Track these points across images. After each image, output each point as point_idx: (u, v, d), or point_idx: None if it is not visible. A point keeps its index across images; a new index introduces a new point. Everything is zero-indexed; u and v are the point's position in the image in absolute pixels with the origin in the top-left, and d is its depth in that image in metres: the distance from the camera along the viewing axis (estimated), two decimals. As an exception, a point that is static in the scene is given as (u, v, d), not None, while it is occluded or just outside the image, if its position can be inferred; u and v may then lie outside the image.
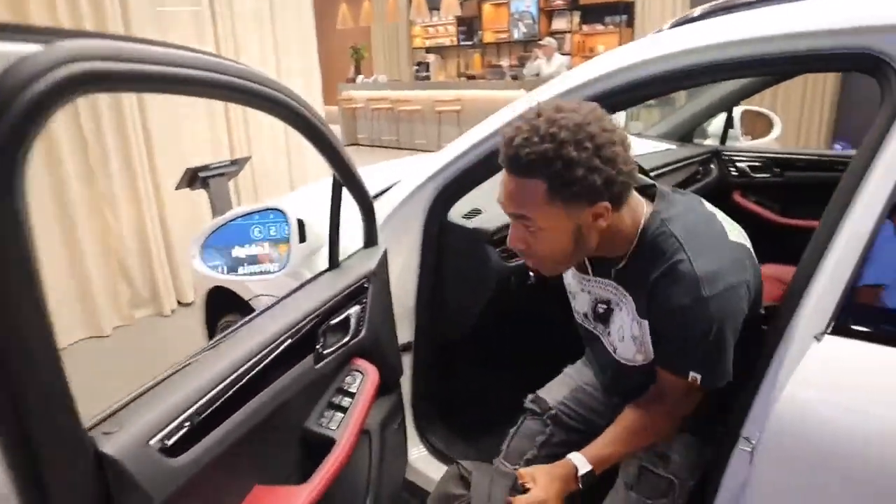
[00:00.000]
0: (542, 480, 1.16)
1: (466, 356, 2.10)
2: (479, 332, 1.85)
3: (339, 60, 12.35)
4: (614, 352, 1.26)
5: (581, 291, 1.32)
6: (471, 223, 1.75)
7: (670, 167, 2.45)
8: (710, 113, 2.73)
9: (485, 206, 1.83)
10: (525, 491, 1.16)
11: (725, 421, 1.19)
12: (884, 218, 0.96)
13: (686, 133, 2.82)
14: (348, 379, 1.28)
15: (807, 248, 1.10)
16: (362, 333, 1.32)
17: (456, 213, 1.77)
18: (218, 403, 0.90)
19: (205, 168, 2.95)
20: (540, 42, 9.29)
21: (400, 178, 1.83)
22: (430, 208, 1.68)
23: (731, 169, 2.73)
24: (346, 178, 1.27)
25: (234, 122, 4.17)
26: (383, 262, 1.45)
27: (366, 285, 1.36)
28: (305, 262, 1.64)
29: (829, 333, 0.97)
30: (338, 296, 1.26)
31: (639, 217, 1.13)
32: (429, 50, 12.17)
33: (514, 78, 9.16)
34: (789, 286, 1.12)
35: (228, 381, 0.93)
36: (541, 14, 10.46)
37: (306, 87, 4.66)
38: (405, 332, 1.77)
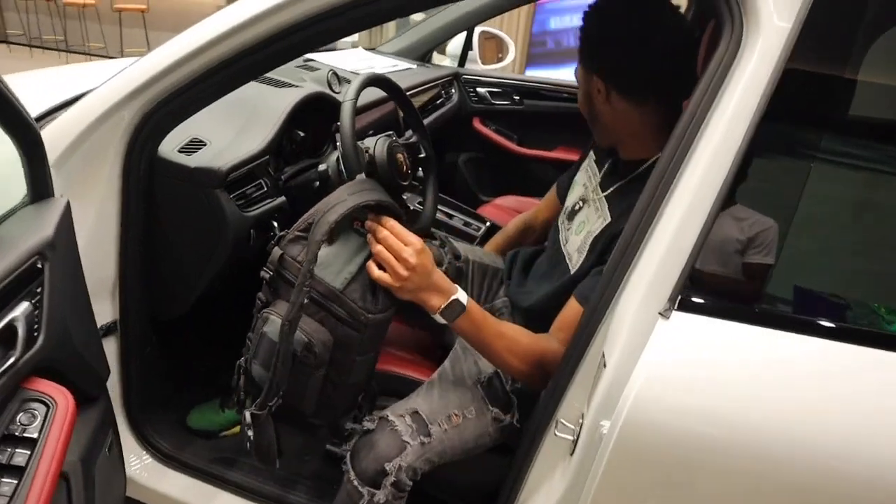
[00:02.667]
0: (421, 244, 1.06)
1: (195, 332, 1.67)
2: (211, 300, 1.45)
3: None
4: (565, 244, 1.29)
5: (579, 185, 1.36)
6: (192, 161, 1.30)
7: (414, 90, 2.21)
8: (451, 32, 2.54)
9: (209, 136, 1.38)
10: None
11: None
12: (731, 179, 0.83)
13: (425, 52, 2.61)
14: (22, 418, 0.82)
15: (633, 214, 0.94)
16: (39, 342, 0.86)
17: (170, 147, 1.31)
18: None
19: None
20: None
21: (73, 93, 1.29)
22: (130, 140, 1.20)
23: (472, 94, 2.60)
24: None
25: None
26: (66, 225, 0.97)
27: (39, 265, 0.89)
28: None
29: (676, 310, 0.83)
30: None
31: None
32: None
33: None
34: (610, 259, 0.96)
35: None
36: None
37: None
38: (105, 309, 1.30)
